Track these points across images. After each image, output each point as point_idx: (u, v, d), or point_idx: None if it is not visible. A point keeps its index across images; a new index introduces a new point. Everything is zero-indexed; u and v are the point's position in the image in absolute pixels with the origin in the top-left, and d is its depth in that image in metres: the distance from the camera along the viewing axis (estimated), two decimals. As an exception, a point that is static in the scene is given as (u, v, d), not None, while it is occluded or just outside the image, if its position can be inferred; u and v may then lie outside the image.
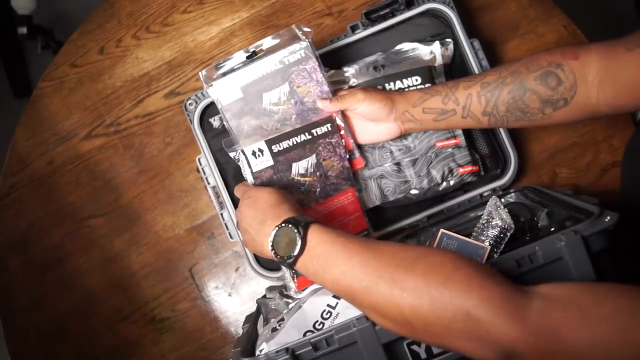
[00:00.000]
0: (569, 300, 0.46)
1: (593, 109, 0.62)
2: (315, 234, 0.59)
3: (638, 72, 0.57)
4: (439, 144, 0.79)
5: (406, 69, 0.80)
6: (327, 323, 0.66)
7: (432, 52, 0.82)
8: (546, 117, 0.65)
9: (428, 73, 0.81)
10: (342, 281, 0.55)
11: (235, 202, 0.85)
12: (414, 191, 0.80)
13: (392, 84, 0.80)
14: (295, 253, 0.58)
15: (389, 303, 0.51)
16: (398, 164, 0.80)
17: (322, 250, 0.57)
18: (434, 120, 0.71)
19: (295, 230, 0.59)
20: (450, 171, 0.80)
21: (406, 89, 0.80)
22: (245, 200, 0.68)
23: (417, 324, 0.50)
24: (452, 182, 0.80)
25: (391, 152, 0.80)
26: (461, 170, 0.80)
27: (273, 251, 0.60)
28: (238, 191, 0.73)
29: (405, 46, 0.83)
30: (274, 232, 0.60)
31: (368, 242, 0.57)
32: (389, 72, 0.80)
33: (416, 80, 0.80)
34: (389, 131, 0.74)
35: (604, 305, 0.44)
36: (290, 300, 0.75)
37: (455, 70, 0.84)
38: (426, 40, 0.84)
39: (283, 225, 0.60)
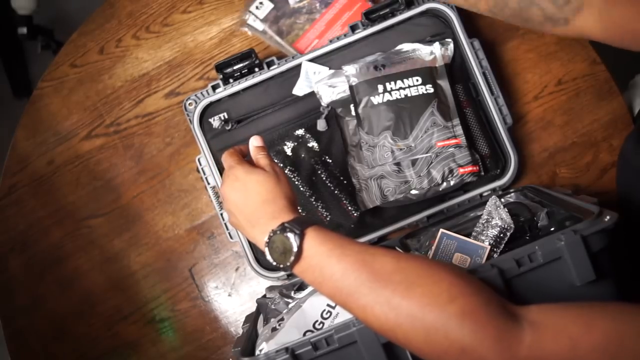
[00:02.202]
0: (559, 330, 0.46)
1: (587, 34, 0.63)
2: (311, 243, 0.56)
3: (629, 10, 0.58)
4: (440, 144, 0.79)
5: (407, 69, 0.80)
6: (327, 323, 0.66)
7: (433, 52, 0.82)
8: (545, 30, 0.67)
9: (429, 73, 0.81)
10: (338, 296, 0.55)
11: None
12: (414, 191, 0.80)
13: (392, 83, 0.80)
14: (289, 263, 0.56)
15: (385, 325, 0.51)
16: (398, 164, 0.80)
17: (317, 262, 0.55)
18: None
19: (292, 240, 0.56)
20: (451, 171, 0.80)
21: (407, 89, 0.80)
22: (231, 180, 0.63)
23: (411, 348, 0.51)
24: (452, 183, 0.80)
25: (392, 151, 0.80)
26: (461, 170, 0.80)
27: (268, 255, 0.58)
28: (225, 161, 0.66)
29: (405, 46, 0.83)
30: (268, 236, 0.58)
31: (365, 255, 0.54)
32: (390, 72, 0.80)
33: (417, 80, 0.80)
34: None
35: (594, 332, 0.45)
36: (290, 300, 0.75)
37: (455, 70, 0.84)
38: (426, 40, 0.84)
39: (278, 232, 0.57)
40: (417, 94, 0.79)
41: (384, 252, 0.55)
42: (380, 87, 0.79)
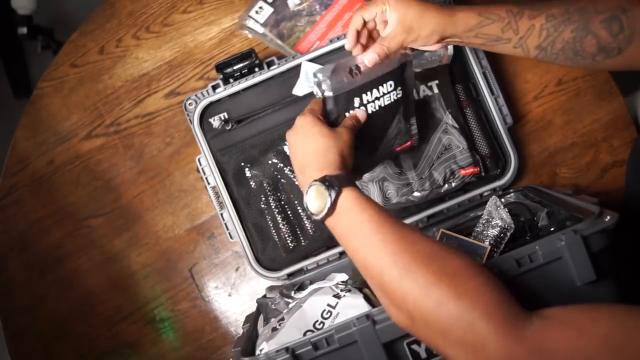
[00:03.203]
0: (566, 319, 0.47)
1: (638, 63, 0.62)
2: (346, 201, 0.58)
3: None
4: (398, 149, 0.74)
5: (383, 73, 0.75)
6: (327, 322, 0.66)
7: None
8: (595, 63, 0.64)
9: (399, 73, 0.78)
10: (360, 254, 0.56)
11: (235, 201, 0.85)
12: (416, 194, 0.80)
13: (369, 93, 0.71)
14: (322, 216, 0.59)
15: (397, 290, 0.52)
16: (400, 166, 0.80)
17: (347, 218, 0.58)
18: (482, 44, 0.67)
19: (328, 193, 0.58)
20: (452, 173, 0.80)
21: (381, 98, 0.70)
22: (298, 124, 0.65)
23: (418, 318, 0.51)
24: (453, 184, 0.80)
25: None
26: (462, 172, 0.80)
27: (306, 204, 0.60)
28: (307, 108, 0.68)
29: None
30: (309, 185, 0.60)
31: (393, 222, 0.57)
32: (366, 80, 0.69)
33: (390, 85, 0.70)
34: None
35: (600, 324, 0.45)
36: (290, 300, 0.75)
37: (455, 70, 0.84)
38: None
39: (318, 183, 0.59)
40: (389, 102, 0.71)
41: (414, 227, 0.59)
42: (357, 101, 0.68)
